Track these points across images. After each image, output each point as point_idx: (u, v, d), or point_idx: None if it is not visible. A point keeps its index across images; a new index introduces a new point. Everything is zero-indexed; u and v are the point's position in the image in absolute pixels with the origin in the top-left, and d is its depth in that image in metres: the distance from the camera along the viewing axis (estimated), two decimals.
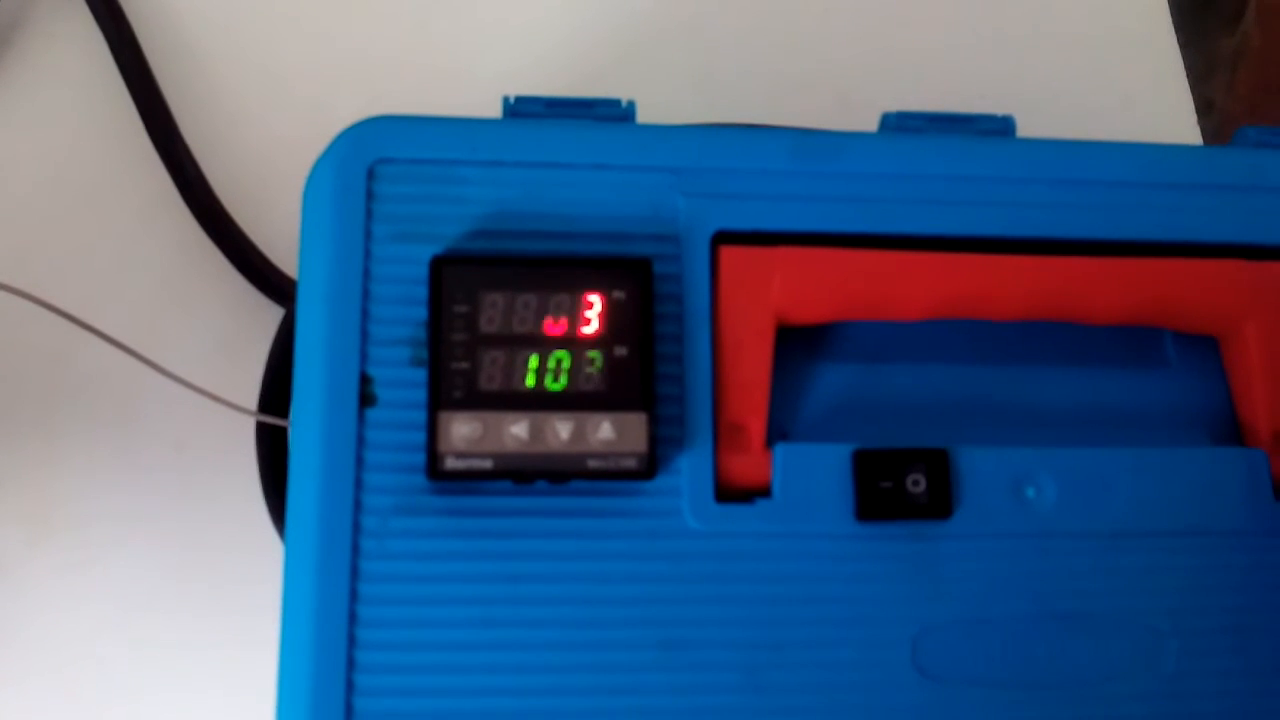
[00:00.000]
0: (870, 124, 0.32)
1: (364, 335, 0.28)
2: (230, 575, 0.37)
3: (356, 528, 0.27)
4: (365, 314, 0.28)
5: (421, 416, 0.27)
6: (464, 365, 0.27)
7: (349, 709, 0.26)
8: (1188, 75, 0.47)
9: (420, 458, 0.27)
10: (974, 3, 0.47)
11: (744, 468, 0.28)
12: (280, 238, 0.40)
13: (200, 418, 0.37)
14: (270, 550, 0.35)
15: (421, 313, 0.28)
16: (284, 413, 0.35)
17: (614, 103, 0.30)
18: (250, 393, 0.36)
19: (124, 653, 0.36)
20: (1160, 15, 0.47)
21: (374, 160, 0.29)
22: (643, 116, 0.31)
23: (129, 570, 0.37)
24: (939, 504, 0.28)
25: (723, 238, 0.29)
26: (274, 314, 0.38)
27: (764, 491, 0.28)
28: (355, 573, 0.26)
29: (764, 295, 0.29)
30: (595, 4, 0.45)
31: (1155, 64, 0.47)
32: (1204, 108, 0.47)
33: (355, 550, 0.27)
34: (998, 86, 0.44)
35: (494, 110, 0.31)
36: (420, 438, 0.27)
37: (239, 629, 0.36)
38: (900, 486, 0.28)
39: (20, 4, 0.42)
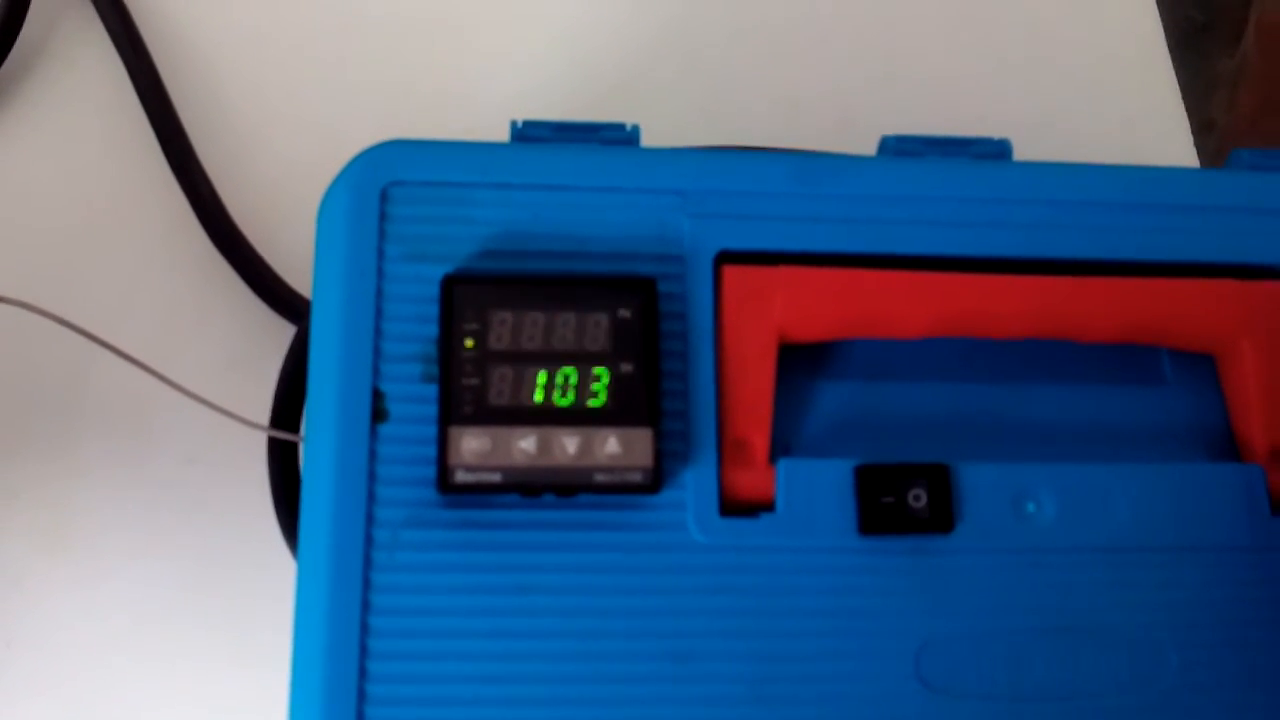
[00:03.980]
0: (870, 147, 0.33)
1: (376, 352, 0.28)
2: (241, 589, 0.37)
3: (368, 540, 0.27)
4: (378, 331, 0.28)
5: (432, 431, 0.27)
6: (474, 381, 0.27)
7: (361, 719, 0.26)
8: (1188, 96, 0.47)
9: (431, 471, 0.27)
10: (971, 29, 0.47)
11: (748, 482, 0.29)
12: (292, 256, 0.40)
13: (213, 433, 0.37)
14: (281, 564, 0.35)
15: (433, 330, 0.28)
16: (295, 428, 0.36)
17: (619, 127, 0.31)
18: (262, 408, 0.36)
19: (135, 664, 0.36)
20: (1155, 40, 0.48)
21: (387, 183, 0.29)
22: (646, 141, 0.31)
23: (141, 583, 0.37)
24: (940, 519, 0.28)
25: (726, 257, 0.30)
26: (286, 331, 0.39)
27: (768, 506, 0.28)
28: (367, 584, 0.27)
29: (766, 313, 0.29)
30: (598, 32, 0.46)
31: (1150, 87, 0.47)
32: (1205, 126, 0.47)
33: (367, 562, 0.27)
34: (994, 111, 0.45)
35: (500, 134, 0.31)
36: (431, 452, 0.27)
37: (250, 642, 0.36)
38: (902, 501, 0.28)
39: (41, 31, 0.43)
